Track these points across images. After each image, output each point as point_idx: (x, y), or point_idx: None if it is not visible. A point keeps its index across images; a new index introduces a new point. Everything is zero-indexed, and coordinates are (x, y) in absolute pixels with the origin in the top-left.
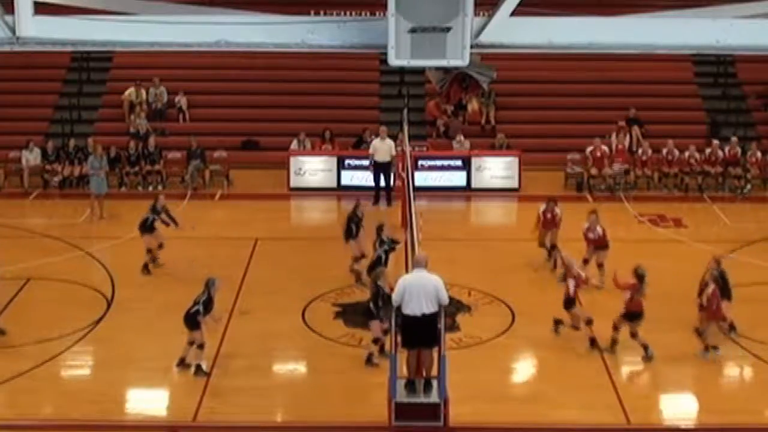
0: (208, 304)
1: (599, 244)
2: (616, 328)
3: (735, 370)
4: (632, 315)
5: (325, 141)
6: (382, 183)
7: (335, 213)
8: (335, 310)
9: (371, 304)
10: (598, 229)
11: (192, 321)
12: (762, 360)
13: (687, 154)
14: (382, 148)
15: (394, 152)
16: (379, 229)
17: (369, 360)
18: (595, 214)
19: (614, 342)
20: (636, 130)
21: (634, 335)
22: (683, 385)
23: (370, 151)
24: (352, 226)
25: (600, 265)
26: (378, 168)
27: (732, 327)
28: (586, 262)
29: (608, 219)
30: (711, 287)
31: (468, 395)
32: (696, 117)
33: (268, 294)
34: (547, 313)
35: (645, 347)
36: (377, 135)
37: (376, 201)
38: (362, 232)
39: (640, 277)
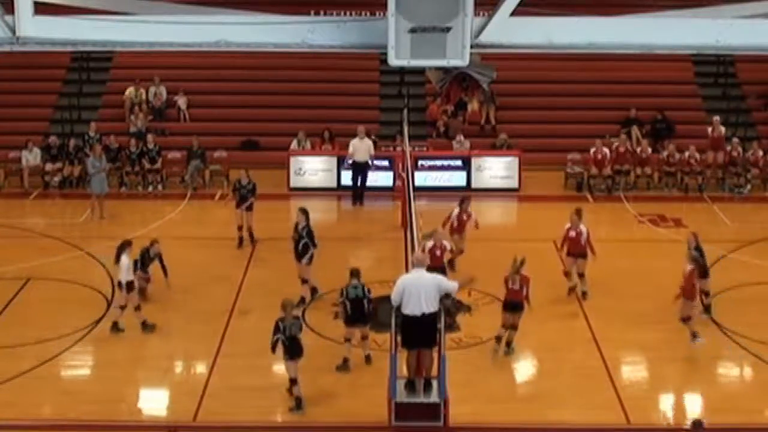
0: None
1: (578, 249)
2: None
3: (735, 370)
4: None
5: (324, 141)
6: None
7: (335, 213)
8: (335, 310)
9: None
10: (582, 228)
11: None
12: (762, 360)
13: (687, 154)
14: (361, 147)
15: (372, 151)
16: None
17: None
18: (578, 214)
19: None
20: (635, 130)
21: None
22: (683, 385)
23: (350, 150)
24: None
25: (581, 275)
26: (356, 168)
27: (707, 310)
28: (566, 274)
29: (608, 219)
30: (689, 267)
31: (467, 395)
32: (696, 117)
33: (268, 294)
34: (546, 313)
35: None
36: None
37: (355, 201)
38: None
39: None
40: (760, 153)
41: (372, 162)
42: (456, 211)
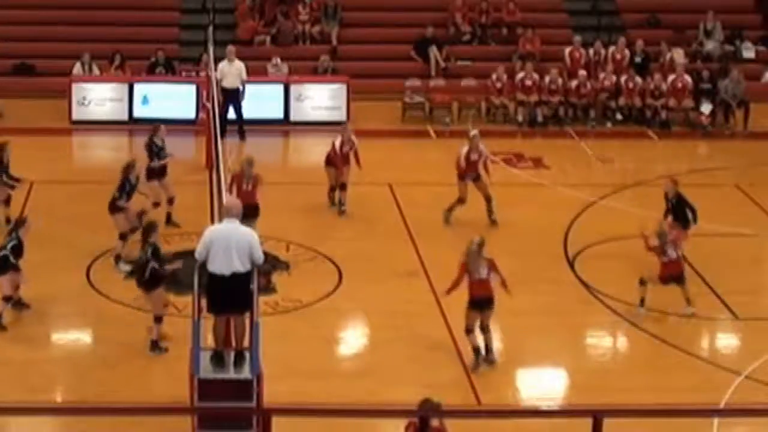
0: (18, 250)
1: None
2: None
3: (607, 340)
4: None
5: (114, 65)
6: (231, 114)
7: (126, 151)
8: (126, 268)
9: (152, 268)
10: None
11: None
12: (637, 327)
13: (548, 79)
14: (231, 72)
15: (245, 76)
16: (129, 168)
17: (155, 345)
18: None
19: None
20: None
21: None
22: (545, 359)
23: (218, 75)
24: (154, 162)
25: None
26: (226, 96)
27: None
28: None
29: (453, 158)
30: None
31: (286, 370)
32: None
33: (46, 248)
34: (381, 272)
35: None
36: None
37: (223, 134)
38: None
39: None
40: (638, 79)
41: (244, 88)
42: (338, 140)
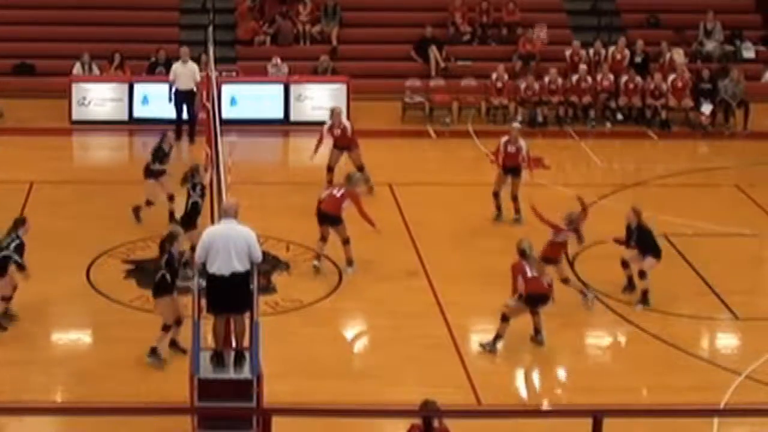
0: (21, 250)
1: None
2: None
3: (606, 341)
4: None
5: (114, 65)
6: (185, 115)
7: (126, 151)
8: (127, 267)
9: (161, 275)
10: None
11: None
12: (639, 328)
13: (547, 79)
14: (184, 73)
15: (197, 77)
16: (194, 170)
17: (153, 352)
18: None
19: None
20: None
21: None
22: (544, 360)
23: (171, 77)
24: (155, 165)
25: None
26: (179, 97)
27: (644, 299)
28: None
29: (453, 158)
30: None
31: (286, 370)
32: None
33: (46, 248)
34: (382, 272)
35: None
36: (178, 58)
37: (179, 136)
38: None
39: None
40: (638, 79)
41: (198, 90)
42: (327, 124)
